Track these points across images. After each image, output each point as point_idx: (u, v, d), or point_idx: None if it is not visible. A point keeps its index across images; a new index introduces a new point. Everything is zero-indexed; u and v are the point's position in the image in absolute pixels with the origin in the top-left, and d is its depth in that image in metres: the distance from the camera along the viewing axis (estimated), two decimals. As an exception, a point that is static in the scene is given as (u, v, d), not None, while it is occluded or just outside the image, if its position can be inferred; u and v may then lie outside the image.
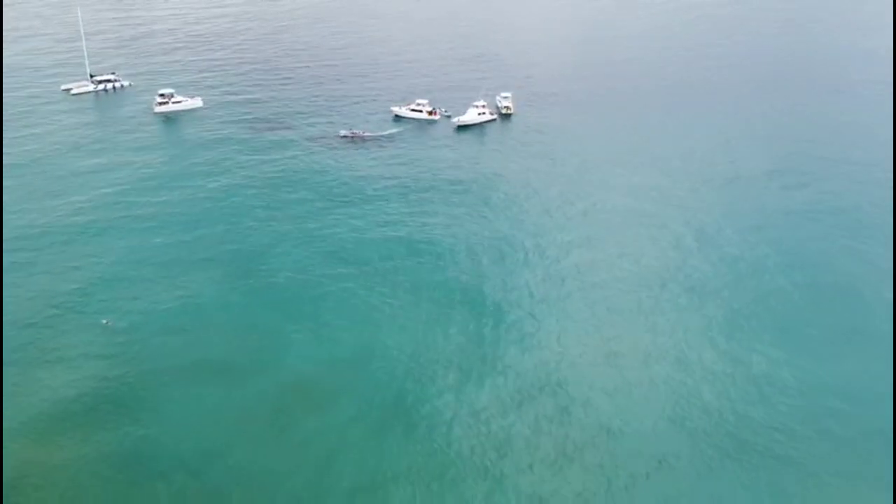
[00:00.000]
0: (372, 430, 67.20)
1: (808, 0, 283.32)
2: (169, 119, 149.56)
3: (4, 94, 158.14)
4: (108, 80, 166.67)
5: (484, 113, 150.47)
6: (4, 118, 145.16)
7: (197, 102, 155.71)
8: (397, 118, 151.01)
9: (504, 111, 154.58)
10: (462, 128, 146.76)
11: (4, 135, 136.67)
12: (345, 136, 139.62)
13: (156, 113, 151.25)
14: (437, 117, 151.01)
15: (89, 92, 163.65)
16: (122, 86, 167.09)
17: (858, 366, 77.92)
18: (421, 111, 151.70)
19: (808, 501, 62.31)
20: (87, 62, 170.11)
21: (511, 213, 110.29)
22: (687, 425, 69.39)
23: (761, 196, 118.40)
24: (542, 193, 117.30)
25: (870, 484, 63.91)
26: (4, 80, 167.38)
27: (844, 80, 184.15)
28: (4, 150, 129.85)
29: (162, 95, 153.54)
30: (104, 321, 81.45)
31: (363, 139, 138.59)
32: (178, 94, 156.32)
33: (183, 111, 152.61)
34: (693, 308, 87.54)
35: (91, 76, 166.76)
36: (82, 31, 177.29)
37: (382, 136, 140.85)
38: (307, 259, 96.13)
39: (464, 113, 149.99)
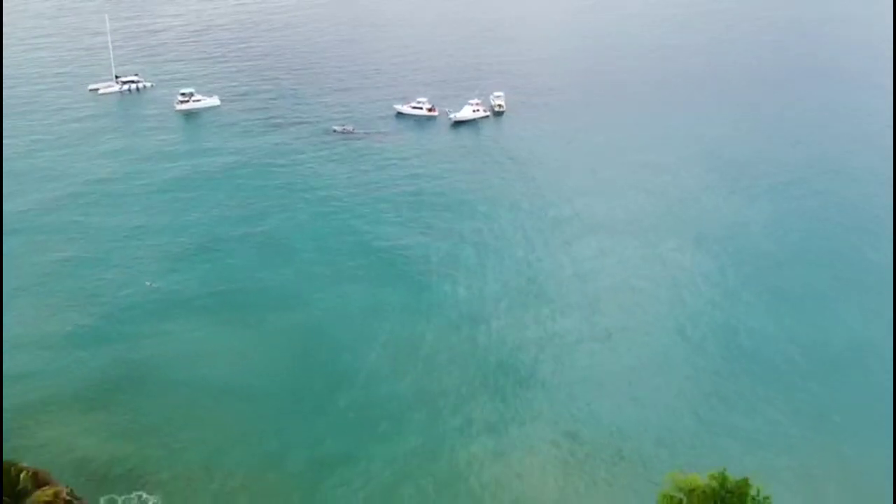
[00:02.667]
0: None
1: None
2: (189, 116, 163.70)
3: (34, 94, 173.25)
4: (132, 81, 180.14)
5: (478, 110, 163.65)
6: (35, 115, 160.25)
7: (214, 101, 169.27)
8: (399, 115, 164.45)
9: (497, 109, 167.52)
10: (457, 123, 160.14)
11: (35, 128, 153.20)
12: (336, 132, 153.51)
13: (177, 110, 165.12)
14: (436, 114, 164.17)
15: (115, 92, 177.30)
16: (144, 86, 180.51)
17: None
18: (421, 108, 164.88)
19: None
20: (112, 64, 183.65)
21: (484, 199, 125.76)
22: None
23: (762, 205, 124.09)
24: (514, 185, 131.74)
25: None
26: (34, 80, 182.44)
27: (844, 78, 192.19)
28: (36, 139, 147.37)
29: (183, 94, 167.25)
30: (147, 283, 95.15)
31: (353, 134, 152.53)
32: (198, 93, 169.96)
33: (202, 109, 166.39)
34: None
35: (116, 77, 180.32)
36: (109, 35, 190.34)
37: (375, 132, 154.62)
38: (315, 232, 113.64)
39: (460, 110, 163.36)
